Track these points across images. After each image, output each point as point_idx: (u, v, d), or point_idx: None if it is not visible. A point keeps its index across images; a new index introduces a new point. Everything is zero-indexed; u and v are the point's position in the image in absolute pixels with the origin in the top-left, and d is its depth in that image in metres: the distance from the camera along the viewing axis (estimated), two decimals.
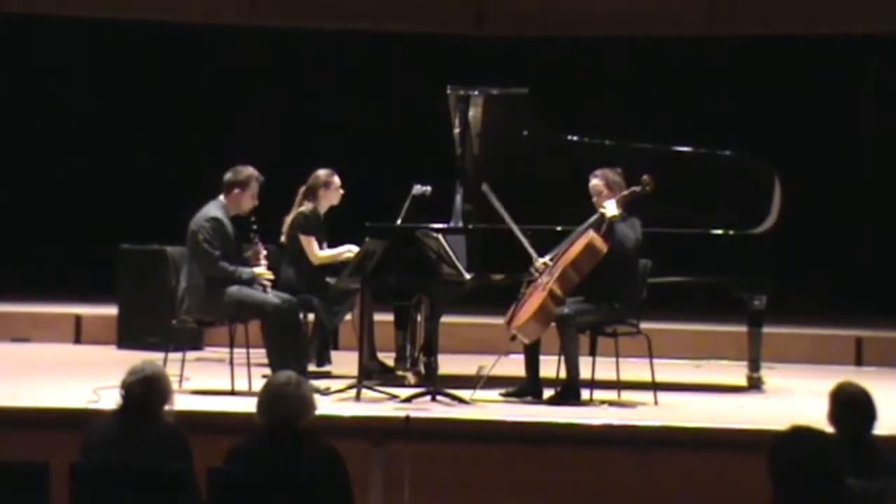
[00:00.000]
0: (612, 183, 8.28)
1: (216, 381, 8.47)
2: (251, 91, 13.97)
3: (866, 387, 5.35)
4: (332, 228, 9.41)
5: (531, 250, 8.21)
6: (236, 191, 8.43)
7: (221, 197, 8.46)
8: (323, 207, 9.33)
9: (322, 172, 9.36)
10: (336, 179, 9.35)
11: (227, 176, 8.48)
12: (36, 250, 13.27)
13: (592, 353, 8.56)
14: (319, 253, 9.20)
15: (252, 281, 8.38)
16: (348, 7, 13.36)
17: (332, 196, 9.34)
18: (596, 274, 8.08)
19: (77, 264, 12.82)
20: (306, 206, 9.26)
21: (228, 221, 8.40)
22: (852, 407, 5.24)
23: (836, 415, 5.24)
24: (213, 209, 8.39)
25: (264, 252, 8.52)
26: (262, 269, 8.44)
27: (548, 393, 8.32)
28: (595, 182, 8.33)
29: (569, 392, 8.19)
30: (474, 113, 9.11)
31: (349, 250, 8.99)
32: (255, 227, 8.47)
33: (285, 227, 9.26)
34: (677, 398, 8.53)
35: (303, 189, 9.35)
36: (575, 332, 8.21)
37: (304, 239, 9.17)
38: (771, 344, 9.47)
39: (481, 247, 8.76)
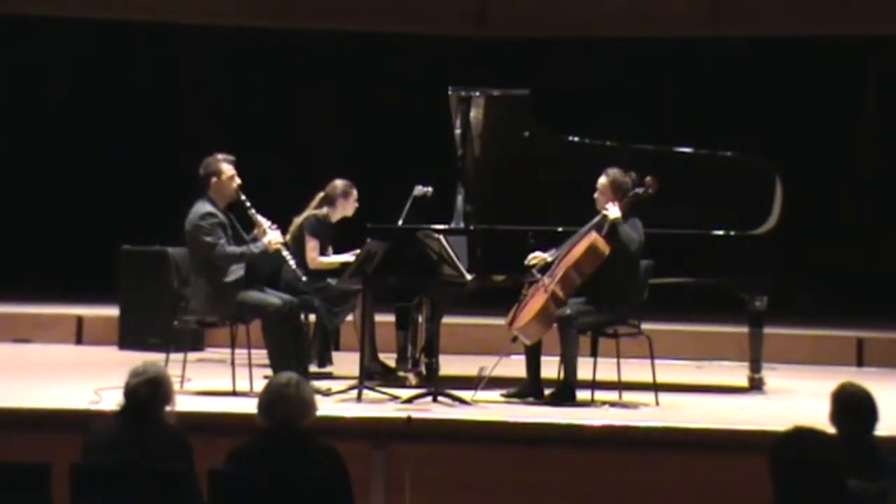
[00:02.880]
0: (617, 186, 8.26)
1: (217, 382, 8.47)
2: (252, 91, 13.96)
3: (868, 388, 5.35)
4: (336, 231, 9.42)
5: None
6: (213, 180, 8.37)
7: (207, 193, 8.41)
8: (336, 216, 9.37)
9: (340, 183, 9.39)
10: (354, 192, 9.40)
11: (200, 172, 8.42)
12: (37, 251, 13.28)
13: (594, 353, 8.56)
14: (318, 258, 9.21)
15: (265, 253, 8.33)
16: (349, 8, 13.36)
17: (347, 207, 9.39)
18: (598, 275, 8.08)
19: (78, 265, 12.83)
20: (320, 211, 9.29)
21: (221, 213, 8.36)
22: (854, 408, 5.24)
23: (837, 415, 5.24)
24: (203, 206, 8.34)
25: (268, 222, 8.40)
26: (272, 236, 8.29)
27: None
28: (603, 180, 8.31)
29: (565, 392, 8.19)
30: (475, 114, 9.10)
31: (348, 260, 8.97)
32: (247, 203, 8.39)
33: (292, 227, 9.27)
34: (678, 399, 8.53)
35: (319, 195, 9.38)
36: (576, 333, 8.21)
37: (308, 240, 9.18)
38: (772, 345, 9.47)
39: (482, 248, 8.75)
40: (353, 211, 9.43)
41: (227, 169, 8.38)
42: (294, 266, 8.45)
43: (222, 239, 8.24)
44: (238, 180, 8.38)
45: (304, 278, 8.52)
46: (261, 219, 8.36)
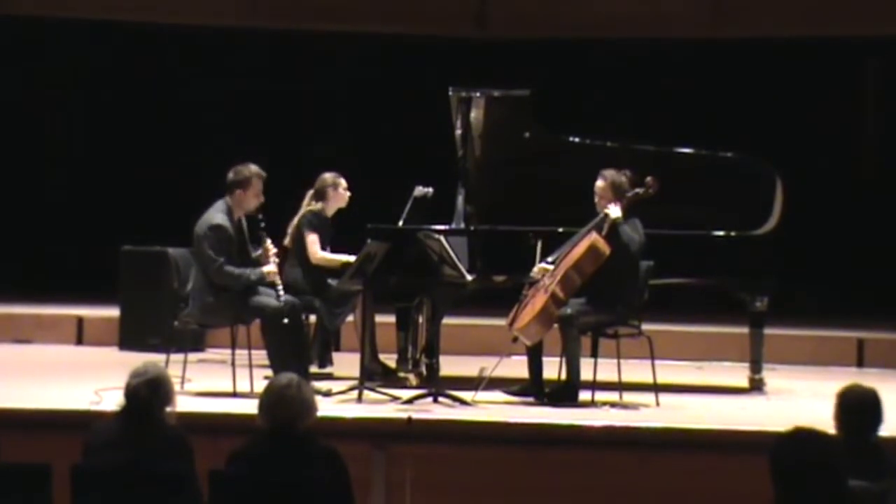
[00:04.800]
0: (616, 187, 8.26)
1: (218, 383, 8.47)
2: (252, 92, 13.97)
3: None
4: (335, 230, 9.41)
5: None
6: (238, 191, 8.38)
7: (227, 198, 8.43)
8: (330, 210, 9.34)
9: (328, 175, 9.36)
10: (342, 181, 9.35)
11: (229, 177, 8.41)
12: (38, 251, 13.28)
13: (594, 354, 8.56)
14: (319, 252, 9.19)
15: (261, 281, 8.34)
16: (349, 9, 13.36)
17: (339, 198, 9.35)
18: (598, 275, 8.08)
19: (79, 266, 12.83)
20: (315, 206, 9.27)
21: (233, 224, 8.34)
22: (860, 409, 5.24)
23: (842, 416, 5.24)
24: (217, 214, 8.33)
25: (274, 250, 8.44)
26: (271, 267, 8.34)
27: None
28: (600, 183, 8.31)
29: (567, 392, 8.19)
30: (476, 114, 9.11)
31: (349, 260, 8.96)
32: (262, 224, 8.41)
33: (290, 230, 9.26)
34: (679, 400, 8.53)
35: (310, 192, 9.35)
36: (577, 334, 8.21)
37: (307, 235, 9.16)
38: (772, 345, 9.46)
39: (483, 248, 8.75)
40: (346, 201, 9.39)
41: (256, 185, 8.36)
42: (282, 297, 8.35)
43: (223, 257, 8.23)
44: (262, 198, 8.38)
45: (282, 295, 8.37)
46: (269, 244, 8.37)
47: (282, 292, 8.31)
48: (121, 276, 10.89)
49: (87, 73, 13.83)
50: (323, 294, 9.13)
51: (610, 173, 8.32)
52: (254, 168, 8.41)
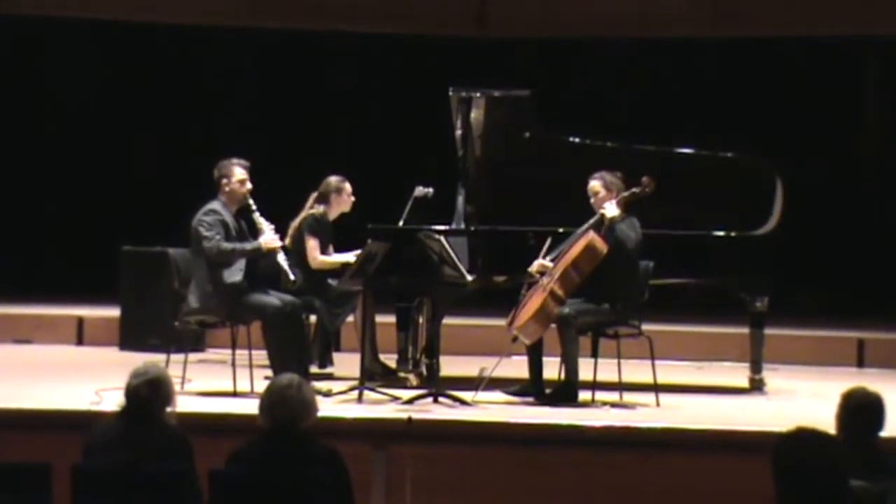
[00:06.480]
0: (610, 185, 8.29)
1: (218, 383, 8.47)
2: (252, 93, 13.97)
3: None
4: (335, 230, 9.41)
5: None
6: (224, 182, 8.42)
7: (219, 195, 8.44)
8: (333, 214, 9.34)
9: (333, 179, 9.36)
10: (347, 186, 9.36)
11: (214, 174, 8.47)
12: (38, 252, 13.28)
13: (594, 354, 8.56)
14: (319, 257, 9.19)
15: (257, 252, 8.34)
16: (349, 8, 13.36)
17: (343, 203, 9.35)
18: (596, 274, 8.08)
19: (79, 266, 12.82)
20: (317, 210, 9.27)
21: (229, 214, 8.37)
22: (863, 412, 5.24)
23: (845, 417, 5.24)
24: (210, 205, 8.38)
25: (271, 226, 8.41)
26: (267, 236, 8.31)
27: None
28: (593, 184, 8.34)
29: (566, 392, 8.19)
30: (476, 114, 9.11)
31: (348, 260, 8.95)
32: (253, 207, 8.40)
33: (291, 230, 9.25)
34: (679, 400, 8.53)
35: (314, 195, 9.35)
36: (575, 333, 8.21)
37: (308, 240, 9.16)
38: (773, 345, 9.46)
39: (483, 248, 8.75)
40: (350, 206, 9.39)
41: (239, 173, 8.41)
42: (286, 267, 8.39)
43: (218, 236, 8.25)
44: (249, 185, 8.41)
45: (292, 277, 8.43)
46: (262, 221, 8.39)
47: (284, 262, 8.31)
48: (121, 276, 10.90)
49: (87, 73, 13.82)
50: (323, 294, 9.13)
51: (601, 174, 8.35)
52: (234, 159, 8.48)
